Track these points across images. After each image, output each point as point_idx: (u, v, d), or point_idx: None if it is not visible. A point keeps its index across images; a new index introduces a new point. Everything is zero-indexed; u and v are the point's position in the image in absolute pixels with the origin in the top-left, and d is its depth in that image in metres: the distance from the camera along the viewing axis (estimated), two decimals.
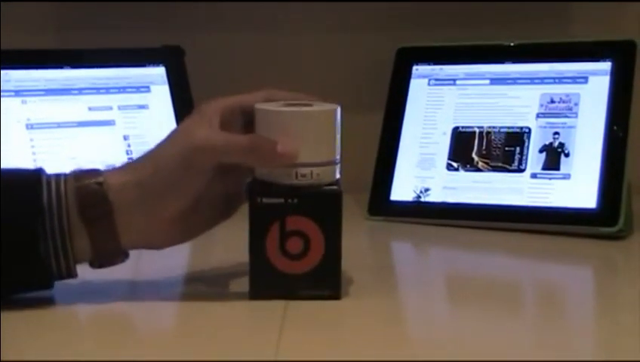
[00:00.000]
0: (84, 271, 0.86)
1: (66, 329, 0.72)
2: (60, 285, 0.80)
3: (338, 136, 0.77)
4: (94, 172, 0.74)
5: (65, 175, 0.74)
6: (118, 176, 0.75)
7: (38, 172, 0.74)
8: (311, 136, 0.76)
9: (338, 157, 0.77)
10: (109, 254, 0.75)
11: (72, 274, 0.74)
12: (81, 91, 1.12)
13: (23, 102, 1.09)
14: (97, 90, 1.13)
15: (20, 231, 0.71)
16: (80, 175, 0.74)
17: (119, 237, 0.74)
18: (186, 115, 0.78)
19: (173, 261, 0.92)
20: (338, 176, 0.77)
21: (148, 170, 0.75)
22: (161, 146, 0.76)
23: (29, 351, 0.66)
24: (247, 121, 0.77)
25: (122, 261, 0.76)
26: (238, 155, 0.75)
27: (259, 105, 0.77)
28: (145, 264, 0.96)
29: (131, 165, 0.77)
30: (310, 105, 0.77)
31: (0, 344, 0.65)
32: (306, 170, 0.75)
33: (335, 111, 0.77)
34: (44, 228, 0.71)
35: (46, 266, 0.72)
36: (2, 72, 1.09)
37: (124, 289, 0.81)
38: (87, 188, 0.73)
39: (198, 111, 0.77)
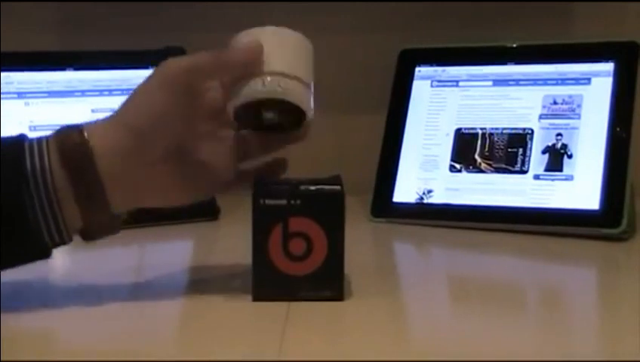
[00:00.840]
0: (87, 271, 0.86)
1: (67, 330, 0.72)
2: (61, 284, 0.81)
3: (308, 62, 0.77)
4: (75, 125, 0.74)
5: (47, 136, 0.73)
6: (97, 123, 0.74)
7: (21, 138, 0.73)
8: (279, 47, 0.76)
9: (308, 82, 0.77)
10: (97, 215, 0.73)
11: (64, 239, 0.73)
12: (84, 93, 1.12)
13: (26, 104, 1.10)
14: (100, 92, 1.13)
15: (6, 200, 0.70)
16: (61, 130, 0.73)
17: (103, 186, 0.72)
18: None
19: (175, 262, 0.93)
20: (312, 105, 0.77)
21: (125, 108, 0.74)
22: (137, 87, 0.75)
23: (29, 351, 0.66)
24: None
25: (113, 228, 0.75)
26: (207, 66, 0.75)
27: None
28: (147, 265, 0.96)
29: (111, 115, 0.76)
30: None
31: (0, 344, 0.65)
32: (273, 78, 0.75)
33: (301, 35, 0.78)
34: (30, 193, 0.70)
35: (38, 233, 0.71)
36: (5, 74, 1.09)
37: (126, 289, 0.81)
38: (68, 139, 0.72)
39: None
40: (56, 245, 0.73)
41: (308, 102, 0.77)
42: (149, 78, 0.75)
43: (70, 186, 0.71)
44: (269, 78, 0.75)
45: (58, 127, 0.74)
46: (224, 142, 0.79)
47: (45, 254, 0.74)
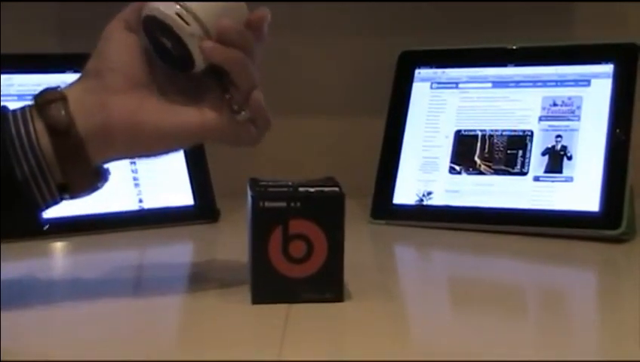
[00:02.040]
0: (87, 272, 0.86)
1: (67, 331, 0.72)
2: (61, 285, 0.81)
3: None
4: (53, 88, 0.76)
5: (28, 105, 0.74)
6: (74, 82, 0.77)
7: (3, 108, 0.75)
8: None
9: (210, 30, 0.75)
10: (78, 170, 0.73)
11: (55, 197, 0.73)
12: None
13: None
14: None
15: None
16: (40, 94, 0.75)
17: (84, 144, 0.73)
18: None
19: (175, 264, 0.93)
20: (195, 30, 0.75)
21: (92, 55, 0.78)
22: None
23: (29, 351, 0.66)
24: None
25: (94, 184, 0.75)
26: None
27: None
28: (147, 267, 0.96)
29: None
30: None
31: (0, 344, 0.66)
32: (181, 9, 0.74)
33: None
34: (17, 153, 0.71)
35: (27, 192, 0.72)
36: (6, 76, 1.09)
37: (126, 291, 0.81)
38: (45, 94, 0.74)
39: None
40: (46, 202, 0.73)
41: (197, 50, 0.76)
42: (114, 19, 0.79)
43: (52, 146, 0.72)
44: (177, 6, 0.75)
45: (37, 92, 0.75)
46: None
47: (37, 216, 0.74)
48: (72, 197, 0.75)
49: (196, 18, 0.75)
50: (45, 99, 0.74)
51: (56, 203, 0.74)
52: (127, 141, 0.75)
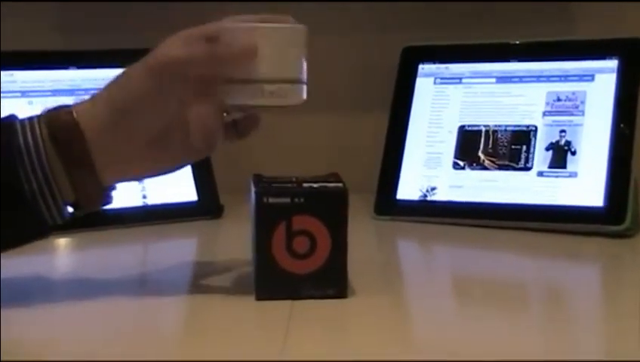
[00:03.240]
0: (91, 269, 0.86)
1: (71, 328, 0.72)
2: (65, 282, 0.81)
3: (304, 56, 0.77)
4: (64, 105, 0.75)
5: (37, 115, 0.74)
6: (86, 102, 0.75)
7: (12, 118, 0.74)
8: (275, 51, 0.75)
9: (305, 77, 0.76)
10: (87, 187, 0.73)
11: (63, 214, 0.73)
12: (87, 92, 1.10)
13: (30, 102, 1.10)
14: None
15: (2, 179, 0.71)
16: (50, 110, 0.74)
17: (93, 162, 0.73)
18: None
19: (178, 260, 0.93)
20: (305, 97, 0.77)
21: (115, 88, 0.75)
22: (127, 69, 0.76)
23: (32, 350, 0.66)
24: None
25: (104, 201, 0.75)
26: (200, 62, 0.74)
27: (224, 25, 0.76)
28: (150, 263, 0.96)
29: (99, 93, 0.76)
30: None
31: (0, 344, 0.66)
32: (273, 88, 0.74)
33: (300, 29, 0.77)
34: (25, 169, 0.71)
35: (36, 209, 0.72)
36: (8, 72, 1.09)
37: (130, 287, 0.81)
38: (58, 118, 0.73)
39: (163, 39, 0.76)
40: (54, 220, 0.74)
41: (303, 96, 0.77)
42: (142, 62, 0.75)
43: (61, 161, 0.72)
44: (267, 87, 0.74)
45: (47, 107, 0.75)
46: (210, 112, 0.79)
47: (44, 230, 0.74)
48: (80, 212, 0.75)
49: (284, 80, 0.75)
50: (54, 109, 0.74)
51: (64, 219, 0.74)
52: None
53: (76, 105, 0.75)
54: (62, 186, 0.72)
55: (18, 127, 0.73)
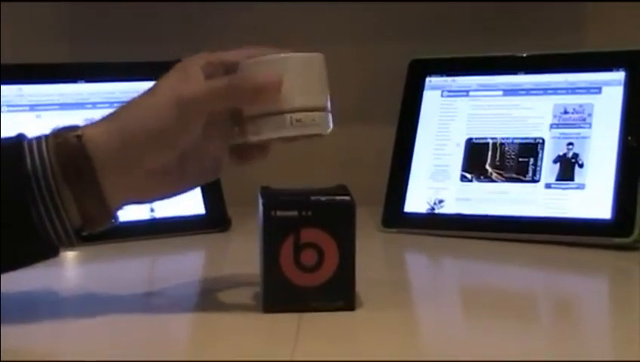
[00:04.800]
0: (98, 282, 0.86)
1: (78, 341, 0.72)
2: (72, 295, 0.81)
3: (326, 84, 0.76)
4: (73, 126, 0.74)
5: (46, 135, 0.73)
6: (97, 127, 0.74)
7: (20, 138, 0.73)
8: (300, 80, 0.75)
9: (329, 105, 0.76)
10: (94, 211, 0.73)
11: (71, 238, 0.73)
12: (95, 105, 1.13)
13: (38, 116, 1.10)
14: (111, 104, 1.13)
15: (9, 202, 0.70)
16: (59, 132, 0.73)
17: (102, 191, 0.73)
18: None
19: (186, 273, 0.93)
20: (331, 125, 0.76)
21: (130, 118, 0.74)
22: (144, 98, 0.75)
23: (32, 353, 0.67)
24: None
25: (110, 223, 0.75)
26: (223, 99, 0.74)
27: (244, 61, 0.76)
28: (158, 277, 0.96)
29: (111, 115, 0.75)
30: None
31: (0, 344, 0.66)
32: (300, 115, 0.74)
33: (319, 57, 0.76)
34: (33, 193, 0.71)
35: (43, 233, 0.72)
36: (17, 86, 1.10)
37: (138, 300, 0.81)
38: (67, 143, 0.72)
39: (182, 65, 0.76)
40: (62, 243, 0.73)
41: (329, 124, 0.77)
42: (159, 94, 0.74)
43: (68, 186, 0.72)
44: (293, 116, 0.74)
45: (57, 127, 0.74)
46: (221, 141, 0.79)
47: (51, 252, 0.74)
48: (86, 233, 0.75)
49: (309, 109, 0.75)
50: (63, 130, 0.73)
51: (70, 240, 0.74)
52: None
53: (86, 127, 0.74)
54: (69, 210, 0.72)
55: (26, 148, 0.72)
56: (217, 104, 0.74)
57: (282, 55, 0.76)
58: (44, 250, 0.73)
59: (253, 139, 0.76)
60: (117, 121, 0.74)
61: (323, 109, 0.76)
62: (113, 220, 0.75)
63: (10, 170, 0.71)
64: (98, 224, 0.74)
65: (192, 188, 0.80)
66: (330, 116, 0.76)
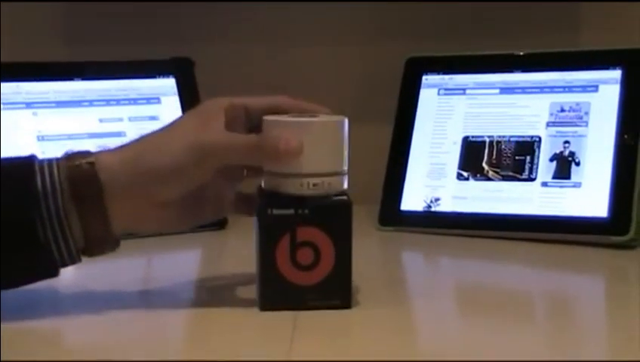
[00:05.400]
0: (95, 280, 0.86)
1: (74, 339, 0.72)
2: (69, 293, 0.81)
3: (347, 147, 0.77)
4: (86, 153, 0.74)
5: (57, 158, 0.73)
6: (111, 156, 0.74)
7: (31, 158, 0.74)
8: (322, 145, 0.76)
9: (346, 167, 0.77)
10: (99, 237, 0.74)
11: (74, 258, 0.74)
12: (91, 103, 1.13)
13: (34, 114, 1.10)
14: (108, 101, 1.13)
15: (17, 219, 0.71)
16: (72, 156, 0.74)
17: (109, 219, 0.73)
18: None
19: (182, 271, 0.93)
20: (346, 185, 0.77)
21: (145, 153, 0.74)
22: (162, 134, 0.76)
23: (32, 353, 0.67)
24: (252, 123, 0.78)
25: (112, 249, 0.75)
26: (242, 156, 0.75)
27: (267, 117, 0.77)
28: (154, 275, 0.96)
29: (127, 146, 0.76)
30: (316, 116, 0.78)
31: (0, 344, 0.66)
32: (317, 180, 0.75)
33: (343, 122, 0.77)
34: (41, 213, 0.71)
35: (48, 252, 0.72)
36: (13, 84, 1.10)
37: (134, 299, 0.81)
38: (79, 169, 0.72)
39: (204, 108, 0.77)
40: (65, 263, 0.74)
41: (344, 186, 0.77)
42: (178, 135, 0.75)
43: (77, 212, 0.72)
44: (310, 181, 0.75)
45: (69, 151, 0.74)
46: (231, 184, 0.80)
47: (54, 271, 0.74)
48: (87, 256, 0.75)
49: (325, 175, 0.75)
50: (76, 155, 0.74)
51: (73, 261, 0.74)
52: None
53: (99, 155, 0.74)
54: (74, 232, 0.73)
55: (37, 168, 0.73)
56: (234, 158, 0.75)
57: (307, 120, 0.76)
58: (46, 269, 0.74)
59: (271, 189, 0.76)
60: (132, 152, 0.75)
61: (340, 173, 0.76)
62: (116, 246, 0.76)
63: (20, 187, 0.72)
64: (100, 248, 0.75)
65: (194, 225, 0.80)
66: (346, 178, 0.77)
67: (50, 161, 0.73)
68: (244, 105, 0.78)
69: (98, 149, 0.75)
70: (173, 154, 0.73)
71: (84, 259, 0.75)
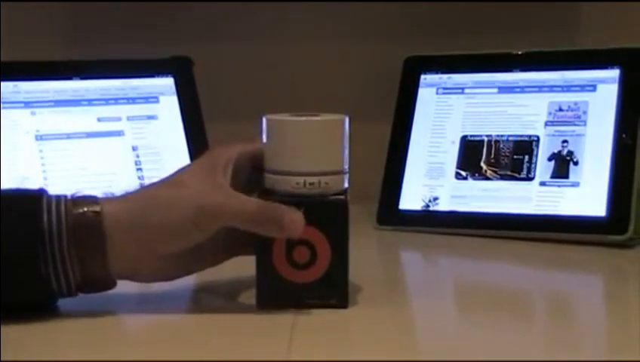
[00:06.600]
0: None
1: (71, 338, 0.72)
2: None
3: (346, 146, 0.77)
4: (93, 199, 0.75)
5: (65, 198, 0.74)
6: (117, 204, 0.75)
7: (40, 193, 0.75)
8: (319, 145, 0.76)
9: (346, 166, 0.77)
10: (96, 281, 0.75)
11: (72, 293, 0.75)
12: (90, 102, 1.13)
13: (33, 113, 1.10)
14: (106, 100, 1.13)
15: (21, 252, 0.72)
16: (78, 201, 0.74)
17: (109, 267, 0.74)
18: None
19: None
20: (346, 185, 0.77)
21: (153, 210, 0.75)
22: (169, 190, 0.76)
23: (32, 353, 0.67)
24: (255, 167, 0.78)
25: (109, 289, 0.76)
26: (247, 224, 0.75)
27: (267, 116, 0.77)
28: None
29: (134, 196, 0.77)
30: (317, 115, 0.78)
31: (0, 344, 0.66)
32: (314, 179, 0.75)
33: (343, 121, 0.77)
34: (45, 249, 0.72)
35: (47, 286, 0.73)
36: (12, 83, 1.10)
37: (130, 298, 0.81)
38: (84, 217, 0.73)
39: (214, 161, 0.77)
40: (62, 295, 0.75)
41: (342, 185, 0.77)
42: (183, 194, 0.75)
43: (78, 255, 0.73)
44: (307, 180, 0.75)
45: (76, 194, 0.75)
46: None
47: (50, 305, 0.76)
48: (84, 292, 0.76)
49: (325, 173, 0.75)
50: (83, 199, 0.74)
51: (71, 295, 0.75)
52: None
53: (105, 203, 0.75)
54: (75, 272, 0.74)
55: (44, 203, 0.73)
56: (239, 225, 0.75)
57: (306, 118, 0.76)
58: (44, 301, 0.75)
59: (269, 187, 0.76)
60: (138, 205, 0.75)
61: (339, 173, 0.76)
62: (111, 287, 0.77)
63: (27, 220, 0.73)
64: (96, 288, 0.76)
65: (191, 273, 0.81)
66: (346, 177, 0.77)
67: (58, 199, 0.74)
68: (251, 153, 0.78)
69: (104, 195, 0.76)
70: (181, 215, 0.74)
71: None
